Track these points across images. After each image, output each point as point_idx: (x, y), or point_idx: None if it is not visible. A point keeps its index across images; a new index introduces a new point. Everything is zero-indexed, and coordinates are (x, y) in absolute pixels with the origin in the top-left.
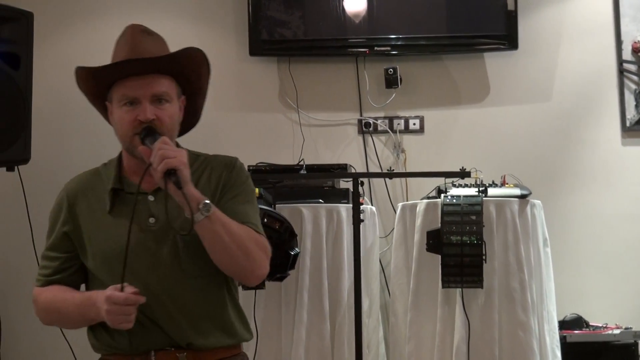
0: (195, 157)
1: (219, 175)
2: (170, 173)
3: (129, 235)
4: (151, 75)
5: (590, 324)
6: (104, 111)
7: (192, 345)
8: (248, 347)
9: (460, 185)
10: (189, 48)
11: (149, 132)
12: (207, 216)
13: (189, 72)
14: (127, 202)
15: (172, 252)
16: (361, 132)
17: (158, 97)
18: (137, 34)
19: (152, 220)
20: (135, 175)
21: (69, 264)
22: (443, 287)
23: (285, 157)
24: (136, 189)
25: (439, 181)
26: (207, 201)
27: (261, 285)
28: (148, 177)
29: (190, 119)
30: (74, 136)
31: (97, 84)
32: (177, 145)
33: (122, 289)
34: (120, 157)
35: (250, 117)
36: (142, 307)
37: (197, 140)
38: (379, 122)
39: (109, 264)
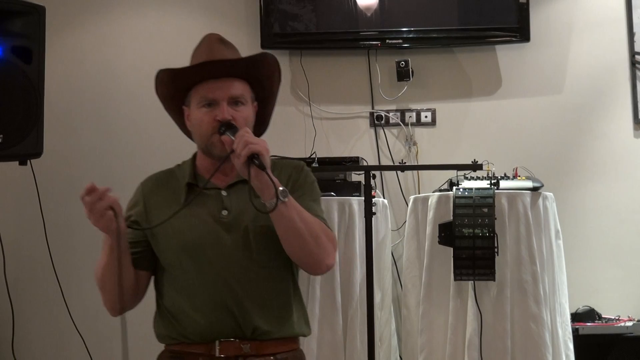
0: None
1: (288, 175)
2: (254, 157)
3: (173, 215)
4: (228, 79)
5: (603, 316)
6: (179, 115)
7: (257, 330)
8: None
9: (472, 178)
10: (265, 53)
11: (228, 126)
12: (284, 202)
13: (262, 77)
14: (201, 196)
15: (244, 242)
16: (373, 125)
17: (235, 99)
18: (214, 42)
19: (224, 212)
20: (208, 173)
21: (139, 248)
22: (455, 279)
23: (297, 150)
24: (212, 185)
25: (451, 174)
26: (284, 188)
27: None
28: (221, 175)
29: (260, 127)
30: (86, 130)
31: (176, 87)
32: None
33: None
34: (194, 158)
35: None
36: (215, 294)
37: None
38: (390, 114)
39: (188, 252)
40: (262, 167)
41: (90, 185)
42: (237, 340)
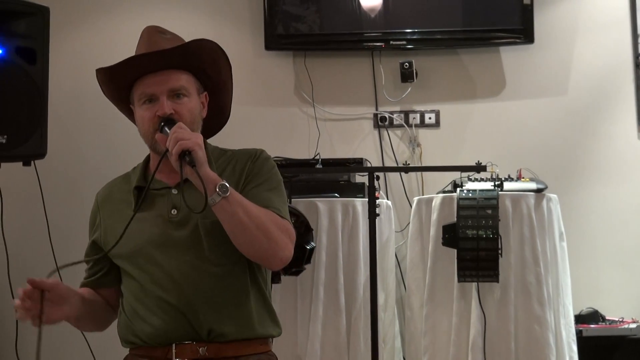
0: (222, 152)
1: (243, 165)
2: (185, 154)
3: (129, 222)
4: (167, 71)
5: (607, 318)
6: (131, 116)
7: (212, 331)
8: None
9: (476, 179)
10: (200, 39)
11: (167, 121)
12: (224, 197)
13: (205, 65)
14: (152, 198)
15: (194, 240)
16: (377, 126)
17: (175, 91)
18: (153, 33)
19: (174, 211)
20: (161, 173)
21: (100, 266)
22: (459, 281)
23: (301, 152)
24: (162, 185)
25: (455, 175)
26: (224, 182)
27: (277, 280)
28: (171, 173)
29: (218, 118)
30: (90, 131)
31: (117, 86)
32: (204, 143)
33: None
34: (147, 159)
35: (266, 112)
36: (166, 295)
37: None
38: (394, 116)
39: (138, 256)
40: (191, 164)
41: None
42: (193, 342)
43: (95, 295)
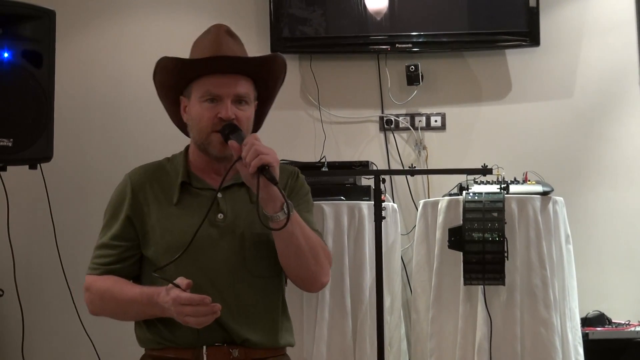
0: None
1: (284, 182)
2: (264, 168)
3: (198, 228)
4: (235, 76)
5: (613, 321)
6: (174, 106)
7: (247, 341)
8: None
9: (482, 182)
10: (277, 54)
11: (233, 128)
12: (288, 216)
13: (269, 77)
14: (195, 197)
15: (239, 250)
16: (383, 129)
17: (240, 97)
18: (222, 34)
19: (220, 216)
20: (202, 172)
21: (130, 253)
22: (465, 284)
23: (306, 155)
24: (205, 185)
25: (461, 178)
26: (290, 202)
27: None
28: (215, 176)
29: (255, 126)
30: (96, 134)
31: (180, 77)
32: None
33: (181, 287)
34: (186, 153)
35: (272, 115)
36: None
37: None
38: (400, 119)
39: (172, 255)
40: (273, 180)
41: (202, 299)
42: (225, 345)
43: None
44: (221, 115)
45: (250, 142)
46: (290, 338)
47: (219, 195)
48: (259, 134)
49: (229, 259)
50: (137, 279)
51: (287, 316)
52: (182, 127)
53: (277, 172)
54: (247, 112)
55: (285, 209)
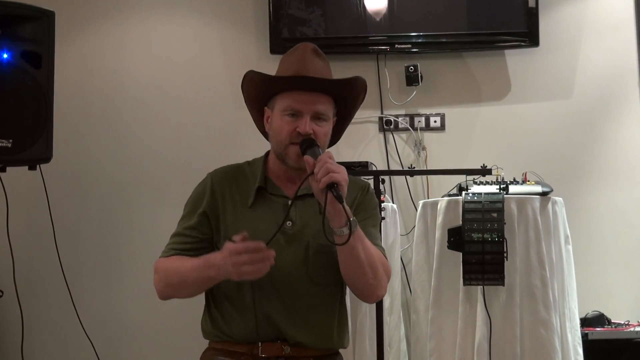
0: None
1: (354, 195)
2: (333, 186)
3: (275, 233)
4: (316, 93)
5: (612, 321)
6: (259, 114)
7: (299, 344)
8: None
9: (481, 183)
10: (358, 78)
11: (310, 144)
12: (352, 232)
13: (348, 97)
14: (268, 202)
15: (303, 257)
16: (382, 129)
17: (319, 114)
18: (308, 52)
19: (289, 223)
20: (278, 179)
21: (202, 245)
22: (464, 284)
23: None
24: (280, 192)
25: (460, 178)
26: (355, 219)
27: None
28: (289, 184)
29: (331, 139)
30: (95, 135)
31: (266, 90)
32: None
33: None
34: (265, 159)
35: None
36: (263, 300)
37: (220, 138)
38: (399, 119)
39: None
40: (339, 198)
41: (258, 245)
42: (279, 341)
43: None
44: (300, 130)
45: (323, 159)
46: (343, 340)
47: (290, 203)
48: (257, 133)
49: (292, 264)
50: None
51: (344, 320)
52: (266, 134)
53: (344, 191)
54: (325, 129)
55: (349, 225)
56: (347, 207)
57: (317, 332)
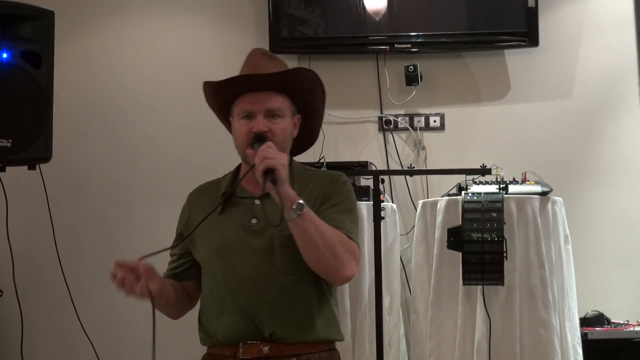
0: (305, 170)
1: (322, 186)
2: (269, 172)
3: (203, 219)
4: (267, 92)
5: (612, 321)
6: (229, 126)
7: (274, 334)
8: None
9: (481, 183)
10: (299, 68)
11: (258, 138)
12: (299, 215)
13: (300, 91)
14: (237, 205)
15: (269, 250)
16: (382, 129)
17: (272, 112)
18: (258, 56)
19: (254, 220)
20: (247, 182)
21: (183, 260)
22: (464, 284)
23: (305, 155)
24: (247, 194)
25: (460, 178)
26: (302, 201)
27: None
28: (258, 185)
29: (307, 139)
30: (95, 134)
31: (219, 98)
32: (290, 160)
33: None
34: (238, 168)
35: None
36: (238, 298)
37: (219, 138)
38: (399, 119)
39: (217, 257)
40: (273, 181)
41: (119, 261)
42: (257, 342)
43: (177, 284)
44: (253, 129)
45: (262, 149)
46: (333, 333)
47: (257, 202)
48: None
49: (260, 259)
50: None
51: (327, 311)
52: None
53: (281, 175)
54: (281, 125)
55: (295, 208)
56: (290, 191)
57: (294, 324)
